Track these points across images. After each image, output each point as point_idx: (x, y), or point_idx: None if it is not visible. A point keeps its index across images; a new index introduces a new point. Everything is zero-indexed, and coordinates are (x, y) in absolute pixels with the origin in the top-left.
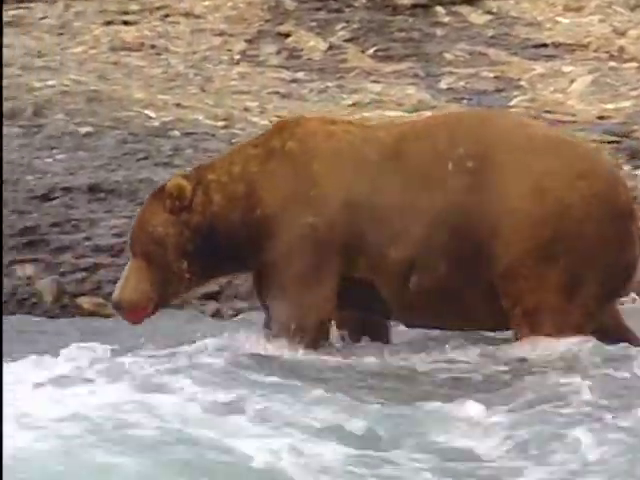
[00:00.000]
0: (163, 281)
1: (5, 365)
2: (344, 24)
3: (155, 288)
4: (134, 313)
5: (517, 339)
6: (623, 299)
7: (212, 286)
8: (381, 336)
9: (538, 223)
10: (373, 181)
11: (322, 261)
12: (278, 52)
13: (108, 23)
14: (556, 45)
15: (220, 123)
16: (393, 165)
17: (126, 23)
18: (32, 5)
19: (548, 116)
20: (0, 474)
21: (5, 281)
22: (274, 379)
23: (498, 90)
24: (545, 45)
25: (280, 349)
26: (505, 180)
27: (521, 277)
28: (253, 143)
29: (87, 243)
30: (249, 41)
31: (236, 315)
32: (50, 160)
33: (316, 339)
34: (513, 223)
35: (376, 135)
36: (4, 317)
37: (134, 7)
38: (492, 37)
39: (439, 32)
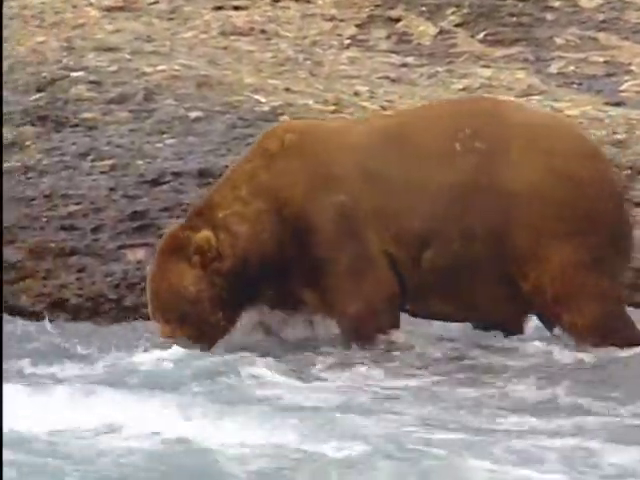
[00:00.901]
0: (198, 336)
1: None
2: (454, 9)
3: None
4: None
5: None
6: None
7: None
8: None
9: (557, 203)
10: (380, 158)
11: (364, 237)
12: (388, 37)
13: (218, 8)
14: None
15: (330, 108)
16: (396, 145)
17: (236, 8)
18: None
19: None
20: (0, 474)
21: (115, 266)
22: None
23: (608, 75)
24: None
25: None
26: (517, 160)
27: (543, 259)
28: (246, 160)
29: None
30: (359, 26)
31: None
32: (160, 145)
33: (391, 316)
34: (530, 203)
35: (370, 123)
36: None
37: None
38: (603, 21)
39: (549, 16)
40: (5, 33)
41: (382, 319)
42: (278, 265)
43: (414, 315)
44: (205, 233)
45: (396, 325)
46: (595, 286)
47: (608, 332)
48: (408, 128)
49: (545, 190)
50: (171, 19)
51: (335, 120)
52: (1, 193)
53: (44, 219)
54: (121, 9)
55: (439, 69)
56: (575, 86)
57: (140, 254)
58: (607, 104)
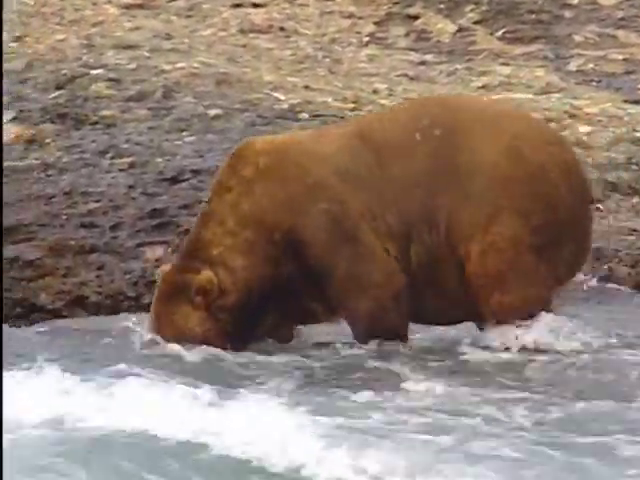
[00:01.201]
0: None
1: None
2: (473, 6)
3: None
4: None
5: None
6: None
7: None
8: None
9: (514, 180)
10: (354, 160)
11: (360, 238)
12: (407, 34)
13: (237, 5)
14: None
15: (349, 105)
16: (364, 145)
17: (255, 5)
18: None
19: None
20: (0, 475)
21: (134, 263)
22: None
23: (627, 72)
24: None
25: None
26: (476, 142)
27: (488, 233)
28: (224, 188)
29: None
30: (378, 23)
31: None
32: (179, 142)
33: (400, 310)
34: (482, 180)
35: (336, 131)
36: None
37: None
38: (621, 19)
39: (568, 14)
40: (25, 30)
41: (392, 315)
42: (281, 287)
43: (414, 320)
44: (206, 274)
45: (405, 320)
46: (533, 268)
47: (530, 314)
48: (372, 128)
49: (496, 167)
50: (190, 17)
51: (302, 132)
52: (1, 193)
53: (64, 217)
54: (140, 6)
55: (458, 67)
56: (594, 84)
57: (159, 252)
58: (626, 102)
